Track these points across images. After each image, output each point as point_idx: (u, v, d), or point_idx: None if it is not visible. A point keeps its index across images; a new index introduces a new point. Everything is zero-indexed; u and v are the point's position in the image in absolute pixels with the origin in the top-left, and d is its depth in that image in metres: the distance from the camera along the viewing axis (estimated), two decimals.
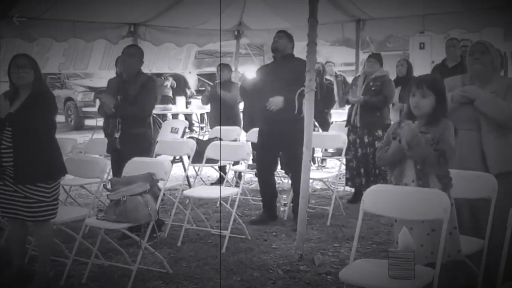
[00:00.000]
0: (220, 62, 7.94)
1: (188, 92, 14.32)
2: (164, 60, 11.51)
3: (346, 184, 6.43)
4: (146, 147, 4.89)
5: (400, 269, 2.83)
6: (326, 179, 6.18)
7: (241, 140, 6.70)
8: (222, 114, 7.12)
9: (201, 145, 5.82)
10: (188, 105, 12.26)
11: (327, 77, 7.78)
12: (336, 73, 9.17)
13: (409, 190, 3.06)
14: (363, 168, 6.14)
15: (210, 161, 5.63)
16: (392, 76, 6.70)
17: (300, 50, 5.48)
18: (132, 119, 4.76)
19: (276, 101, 5.21)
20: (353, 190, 6.49)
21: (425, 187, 3.02)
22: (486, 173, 3.44)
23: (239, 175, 6.82)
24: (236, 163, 6.40)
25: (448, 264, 3.04)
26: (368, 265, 3.10)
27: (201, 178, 6.78)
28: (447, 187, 3.04)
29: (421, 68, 16.42)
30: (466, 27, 7.09)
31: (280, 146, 5.32)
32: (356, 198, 6.37)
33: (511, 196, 3.45)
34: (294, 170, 5.43)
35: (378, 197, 3.16)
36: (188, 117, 12.77)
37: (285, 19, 7.93)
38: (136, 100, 4.73)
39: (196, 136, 10.14)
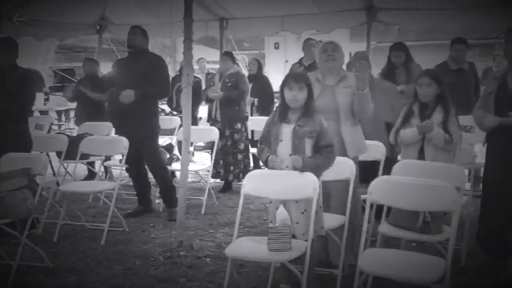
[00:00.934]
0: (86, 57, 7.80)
1: (44, 89, 13.69)
2: (23, 54, 10.95)
3: (212, 176, 6.73)
4: (25, 144, 4.74)
5: (278, 243, 3.18)
6: (199, 171, 6.44)
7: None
8: (90, 110, 7.06)
9: (71, 142, 5.74)
10: (46, 102, 11.77)
11: (195, 74, 8.04)
12: (208, 70, 9.45)
13: (284, 173, 3.41)
14: (221, 160, 6.58)
15: (81, 157, 5.59)
16: None
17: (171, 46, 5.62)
18: (9, 114, 4.60)
19: (128, 95, 5.30)
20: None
21: None
22: (345, 157, 3.91)
23: (110, 171, 6.83)
24: (108, 158, 6.41)
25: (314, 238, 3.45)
26: (250, 242, 3.41)
27: (70, 174, 6.66)
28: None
29: (276, 66, 17.33)
30: (320, 28, 7.75)
31: (133, 139, 5.34)
32: (226, 188, 6.75)
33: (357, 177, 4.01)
34: (149, 162, 5.61)
35: (257, 181, 3.49)
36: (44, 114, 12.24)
37: (150, 15, 8.03)
38: (17, 94, 4.58)
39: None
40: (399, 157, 4.37)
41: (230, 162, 6.60)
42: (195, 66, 9.44)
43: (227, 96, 6.48)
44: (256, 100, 7.48)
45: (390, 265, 3.03)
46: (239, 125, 6.60)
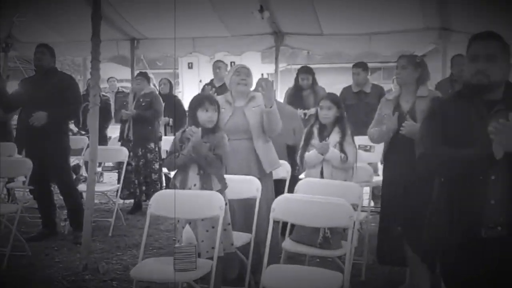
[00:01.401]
0: None
1: None
2: None
3: (124, 197, 6.63)
4: None
5: (183, 263, 3.21)
6: (107, 192, 6.33)
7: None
8: None
9: None
10: None
11: (104, 93, 7.95)
12: (119, 89, 9.34)
13: (190, 193, 3.48)
14: (136, 179, 6.52)
15: None
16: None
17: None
18: None
19: (39, 117, 5.20)
20: (132, 201, 6.76)
21: (209, 189, 3.48)
22: (251, 176, 4.01)
23: (13, 193, 6.57)
24: (11, 180, 6.18)
25: (224, 255, 3.52)
26: (156, 263, 3.41)
27: None
28: (225, 187, 3.54)
29: (190, 86, 17.45)
30: (231, 50, 7.93)
31: (43, 159, 5.24)
32: (135, 208, 6.68)
33: (270, 193, 4.14)
34: (61, 183, 5.50)
35: (164, 201, 3.51)
36: None
37: (58, 33, 7.87)
38: None
39: None
40: (301, 176, 4.54)
41: (142, 182, 6.55)
42: (105, 85, 9.34)
43: (141, 115, 6.48)
44: (171, 120, 7.51)
45: (291, 280, 3.14)
46: (152, 145, 6.59)
